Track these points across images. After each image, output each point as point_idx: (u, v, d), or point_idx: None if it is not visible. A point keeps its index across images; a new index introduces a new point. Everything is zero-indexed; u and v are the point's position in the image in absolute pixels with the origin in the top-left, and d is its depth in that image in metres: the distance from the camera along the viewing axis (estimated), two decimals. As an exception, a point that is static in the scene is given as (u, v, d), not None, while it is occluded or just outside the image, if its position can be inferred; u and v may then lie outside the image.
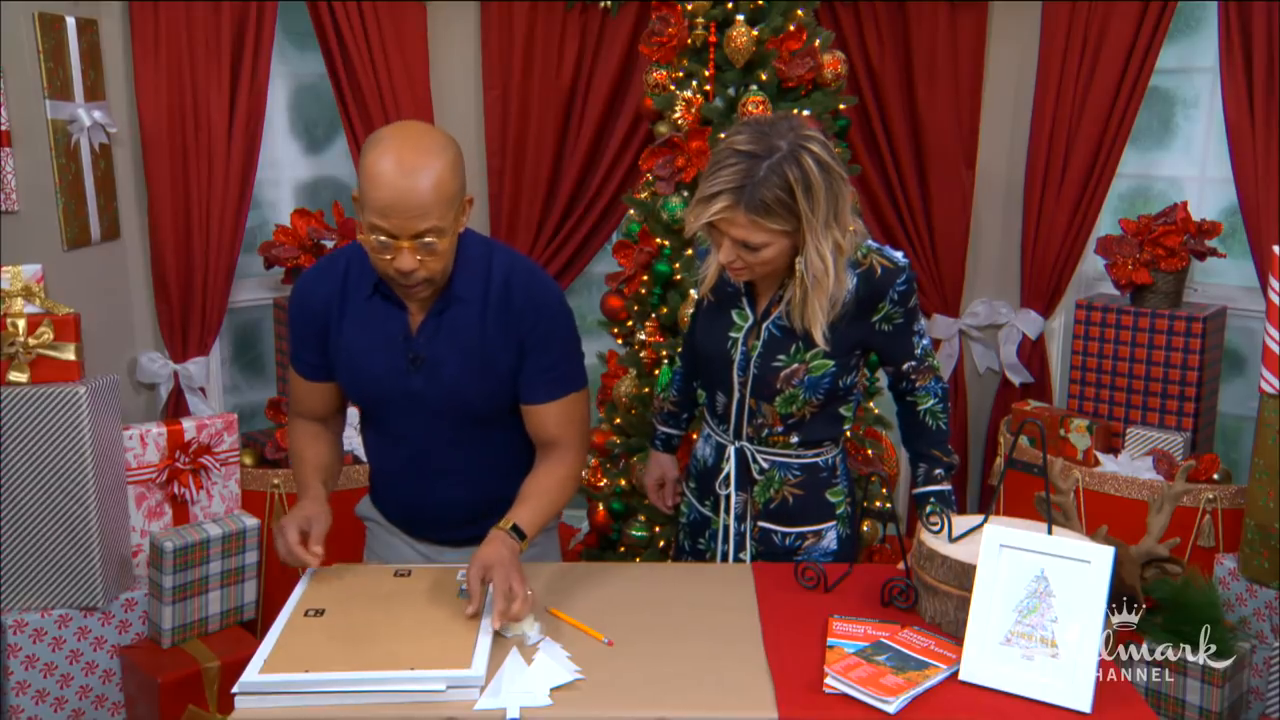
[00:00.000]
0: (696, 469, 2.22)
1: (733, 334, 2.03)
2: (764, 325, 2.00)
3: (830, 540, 2.11)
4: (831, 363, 1.98)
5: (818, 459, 2.09)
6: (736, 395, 2.05)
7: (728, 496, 2.12)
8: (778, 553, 2.11)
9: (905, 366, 2.05)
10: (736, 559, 2.14)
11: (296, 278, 2.05)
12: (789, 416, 2.02)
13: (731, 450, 2.10)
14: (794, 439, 2.06)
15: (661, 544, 2.93)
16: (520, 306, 1.91)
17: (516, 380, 1.96)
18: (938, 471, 2.07)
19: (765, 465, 2.08)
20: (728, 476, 2.11)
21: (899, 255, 1.98)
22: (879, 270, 1.95)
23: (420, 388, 1.93)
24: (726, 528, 2.14)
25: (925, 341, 2.05)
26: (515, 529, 1.85)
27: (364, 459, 2.92)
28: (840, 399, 2.05)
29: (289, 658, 1.60)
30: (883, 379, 3.01)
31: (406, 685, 1.55)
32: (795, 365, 1.98)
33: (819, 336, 1.93)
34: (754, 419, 2.05)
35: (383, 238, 1.76)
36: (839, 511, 2.12)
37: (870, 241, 1.99)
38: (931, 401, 2.07)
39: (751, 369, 2.01)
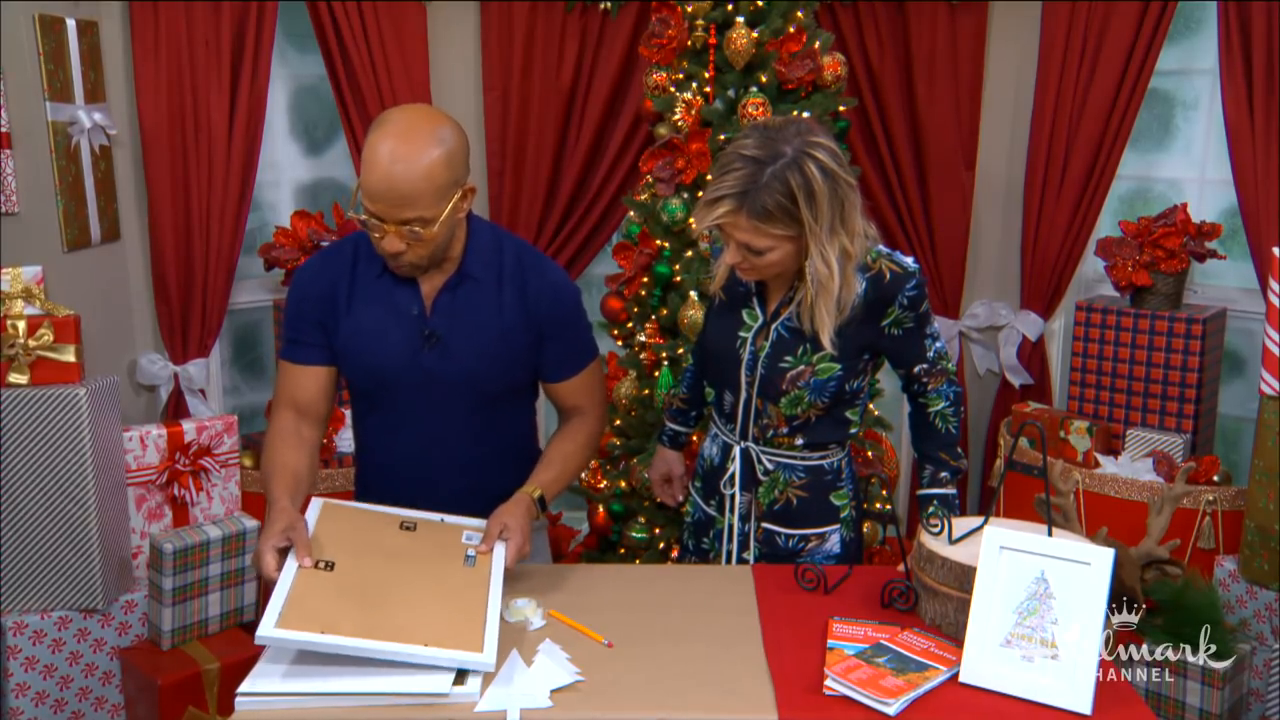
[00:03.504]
0: (703, 468, 2.22)
1: (742, 333, 2.04)
2: (773, 326, 2.01)
3: (834, 543, 2.11)
4: (838, 366, 1.98)
5: (823, 462, 2.09)
6: (743, 395, 2.05)
7: (732, 496, 2.12)
8: (781, 554, 2.11)
9: (917, 369, 2.05)
10: (740, 559, 2.14)
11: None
12: (794, 418, 2.02)
13: (737, 450, 2.10)
14: (799, 441, 2.06)
15: (661, 545, 2.93)
16: (537, 290, 1.98)
17: (532, 359, 2.02)
18: (943, 475, 2.07)
19: (770, 466, 2.08)
20: (732, 476, 2.11)
21: (909, 260, 1.99)
22: (888, 275, 1.95)
23: (433, 365, 1.96)
24: (731, 527, 2.14)
25: (939, 345, 2.06)
26: (541, 500, 1.97)
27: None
28: (847, 402, 2.05)
29: (304, 614, 1.59)
30: (883, 381, 3.04)
31: (421, 661, 1.56)
32: (802, 367, 1.98)
33: (827, 340, 1.94)
34: (760, 419, 2.05)
35: (373, 219, 1.82)
36: (843, 515, 2.12)
37: (881, 246, 1.99)
38: (943, 404, 2.07)
39: (759, 369, 2.01)
